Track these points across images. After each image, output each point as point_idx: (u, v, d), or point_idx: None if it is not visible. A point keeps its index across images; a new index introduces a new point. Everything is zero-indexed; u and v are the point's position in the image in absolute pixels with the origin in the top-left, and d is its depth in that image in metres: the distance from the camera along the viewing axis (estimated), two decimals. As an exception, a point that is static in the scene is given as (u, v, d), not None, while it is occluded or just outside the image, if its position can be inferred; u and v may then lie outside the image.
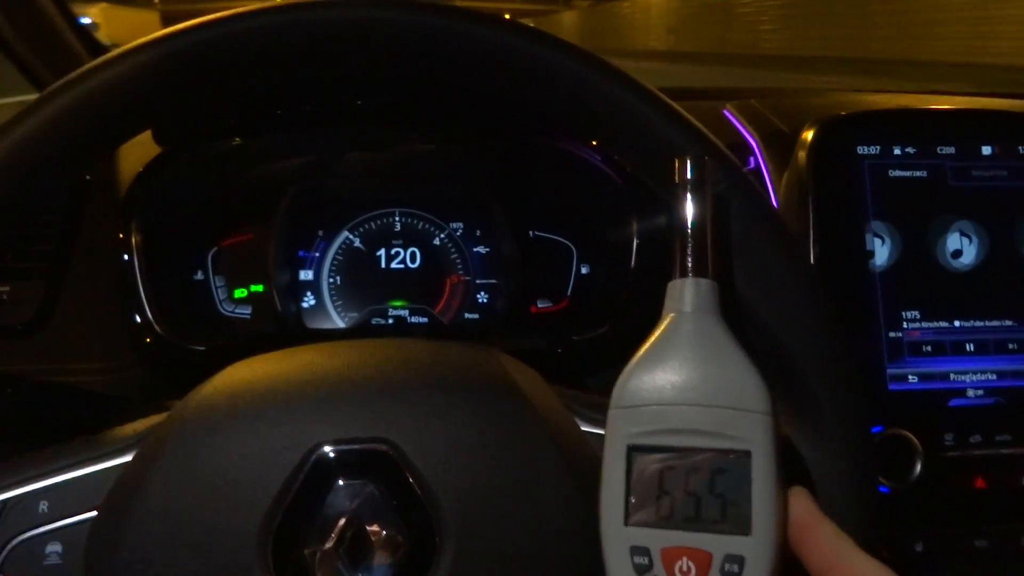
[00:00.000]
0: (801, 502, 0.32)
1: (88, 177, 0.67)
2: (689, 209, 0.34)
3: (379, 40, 0.36)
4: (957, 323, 0.62)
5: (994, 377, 0.61)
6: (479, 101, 0.64)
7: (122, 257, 0.62)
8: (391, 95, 0.65)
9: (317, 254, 0.72)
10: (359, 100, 0.65)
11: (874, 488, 0.37)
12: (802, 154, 0.64)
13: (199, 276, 0.70)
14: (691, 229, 0.34)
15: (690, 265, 0.34)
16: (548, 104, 0.38)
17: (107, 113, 0.35)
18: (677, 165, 0.35)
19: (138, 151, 0.66)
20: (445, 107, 0.67)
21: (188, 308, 0.69)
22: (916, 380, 0.61)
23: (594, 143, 0.66)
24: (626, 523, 0.32)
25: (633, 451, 0.32)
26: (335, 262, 0.72)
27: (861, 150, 0.63)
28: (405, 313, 0.71)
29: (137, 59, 0.35)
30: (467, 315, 0.72)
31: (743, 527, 0.31)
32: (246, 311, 0.71)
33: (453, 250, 0.73)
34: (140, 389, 0.65)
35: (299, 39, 0.36)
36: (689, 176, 0.35)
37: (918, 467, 0.58)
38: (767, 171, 0.70)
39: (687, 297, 0.34)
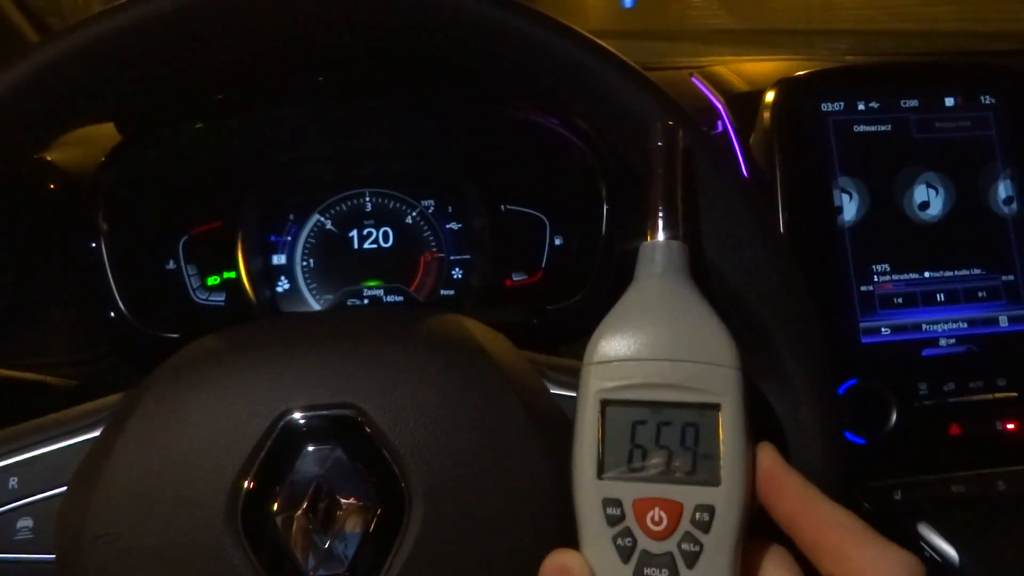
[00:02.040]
0: (768, 454, 0.33)
1: (54, 165, 0.67)
2: (659, 173, 0.35)
3: (332, 8, 0.36)
4: (927, 274, 0.63)
5: (965, 325, 0.62)
6: (444, 75, 0.64)
7: (89, 247, 0.62)
8: (353, 71, 0.65)
9: (289, 238, 0.72)
10: (320, 77, 0.64)
11: (840, 442, 0.37)
12: (767, 114, 0.64)
13: (171, 266, 0.70)
14: (662, 192, 0.35)
15: (661, 227, 0.34)
16: (513, 72, 0.38)
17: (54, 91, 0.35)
18: (647, 131, 0.35)
19: (105, 141, 0.65)
20: (410, 82, 0.66)
21: (161, 298, 0.68)
22: (889, 332, 0.61)
23: (561, 113, 0.66)
24: (599, 476, 0.32)
25: (606, 405, 0.33)
26: (307, 245, 0.72)
27: (825, 107, 0.64)
28: (380, 293, 0.71)
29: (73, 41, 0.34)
30: (442, 292, 0.72)
31: (713, 478, 0.32)
32: (220, 298, 0.70)
33: (425, 228, 0.73)
34: (114, 378, 0.64)
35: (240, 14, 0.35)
36: (659, 141, 0.35)
37: (893, 417, 0.59)
38: (734, 134, 0.70)
39: (658, 258, 0.34)
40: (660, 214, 0.34)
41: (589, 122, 0.40)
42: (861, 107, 0.64)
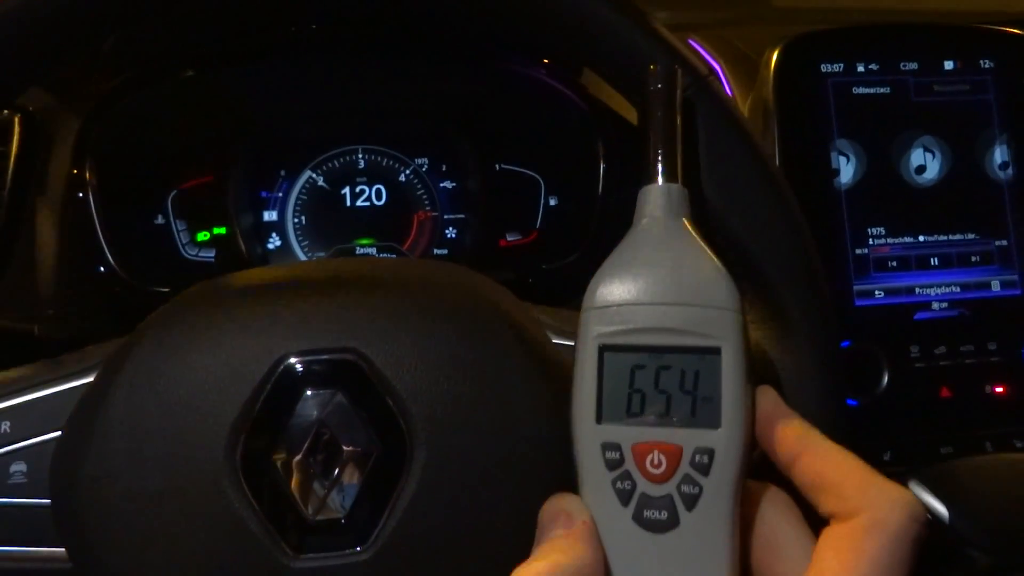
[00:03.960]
0: (768, 396, 0.33)
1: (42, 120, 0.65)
2: (659, 116, 0.34)
3: None
4: (921, 238, 0.63)
5: (958, 289, 0.62)
6: (440, 26, 0.63)
7: (78, 199, 0.61)
8: (347, 23, 0.63)
9: (280, 194, 0.71)
10: (312, 25, 0.63)
11: (842, 390, 0.37)
12: (766, 74, 0.64)
13: (160, 220, 0.69)
14: (661, 136, 0.34)
15: (660, 171, 0.34)
16: (512, 15, 0.38)
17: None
18: (647, 74, 0.35)
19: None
20: (405, 37, 0.65)
21: (150, 253, 0.67)
22: (882, 295, 0.62)
23: (558, 64, 0.65)
24: (598, 421, 0.32)
25: (604, 350, 0.32)
26: (299, 202, 0.71)
27: (825, 68, 0.63)
28: (373, 251, 0.71)
29: None
30: (436, 251, 0.71)
31: (713, 421, 0.31)
32: (210, 254, 0.69)
33: (419, 186, 0.72)
34: (104, 334, 0.64)
35: None
36: (658, 84, 0.34)
37: (885, 379, 0.59)
38: (733, 95, 0.70)
39: (658, 202, 0.34)
40: (659, 158, 0.34)
41: (589, 66, 0.39)
42: (861, 69, 0.63)
